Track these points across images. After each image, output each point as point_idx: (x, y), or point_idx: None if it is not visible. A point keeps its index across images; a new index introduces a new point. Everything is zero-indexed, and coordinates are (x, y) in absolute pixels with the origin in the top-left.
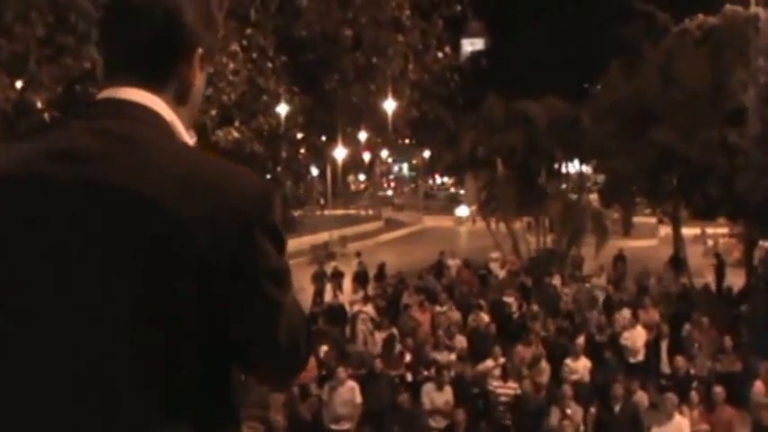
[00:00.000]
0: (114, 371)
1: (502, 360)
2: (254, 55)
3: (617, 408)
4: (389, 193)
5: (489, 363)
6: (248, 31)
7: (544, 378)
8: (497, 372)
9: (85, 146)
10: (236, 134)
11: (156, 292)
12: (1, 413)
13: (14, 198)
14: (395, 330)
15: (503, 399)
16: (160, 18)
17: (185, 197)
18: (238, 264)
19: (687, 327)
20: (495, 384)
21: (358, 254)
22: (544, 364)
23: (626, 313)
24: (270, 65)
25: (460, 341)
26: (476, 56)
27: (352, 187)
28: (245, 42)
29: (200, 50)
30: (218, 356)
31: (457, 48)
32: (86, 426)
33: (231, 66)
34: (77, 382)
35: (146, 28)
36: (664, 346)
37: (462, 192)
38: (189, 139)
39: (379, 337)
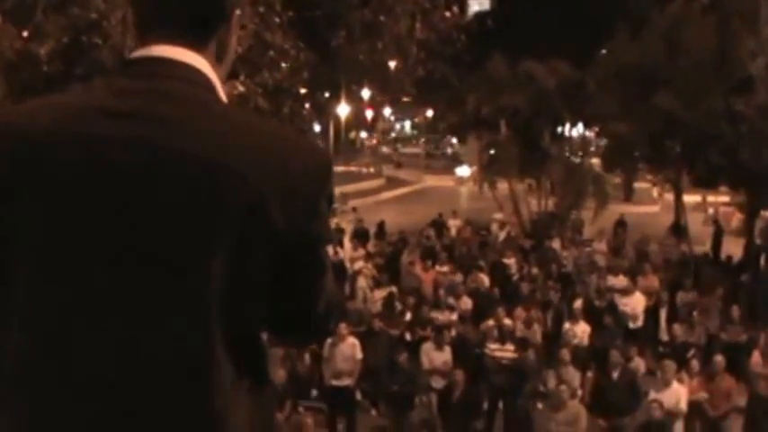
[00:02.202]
0: (187, 326)
1: (507, 321)
2: (261, 9)
3: (615, 373)
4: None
5: (490, 323)
6: None
7: (536, 338)
8: (495, 333)
9: (146, 106)
10: (240, 88)
11: (235, 258)
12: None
13: (72, 155)
14: (394, 288)
15: (500, 361)
16: None
17: (259, 167)
18: (304, 232)
19: (683, 294)
20: (492, 347)
21: (354, 209)
22: (537, 327)
23: (622, 279)
24: (277, 20)
25: (465, 302)
26: (482, 16)
27: (361, 144)
28: None
29: (238, 11)
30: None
31: (463, 8)
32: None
33: None
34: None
35: None
36: (663, 313)
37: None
38: (224, 96)
39: (379, 294)
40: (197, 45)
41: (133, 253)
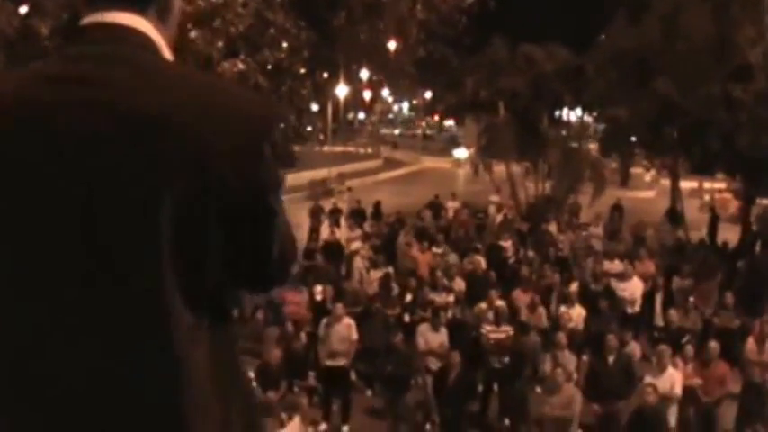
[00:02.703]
0: (149, 282)
1: (500, 303)
2: None
3: (610, 358)
4: (396, 132)
5: (483, 306)
6: None
7: (542, 322)
8: (490, 315)
9: (88, 70)
10: (241, 66)
11: (188, 211)
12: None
13: (17, 119)
14: (391, 269)
15: (494, 342)
16: None
17: (201, 120)
18: (251, 179)
19: (678, 279)
20: (487, 328)
21: (349, 189)
22: (542, 309)
23: (618, 263)
24: None
25: (459, 283)
26: None
27: (359, 125)
28: None
29: None
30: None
31: None
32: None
33: None
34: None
35: None
36: (658, 298)
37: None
38: (170, 57)
39: (375, 275)
40: (139, 9)
41: (84, 212)
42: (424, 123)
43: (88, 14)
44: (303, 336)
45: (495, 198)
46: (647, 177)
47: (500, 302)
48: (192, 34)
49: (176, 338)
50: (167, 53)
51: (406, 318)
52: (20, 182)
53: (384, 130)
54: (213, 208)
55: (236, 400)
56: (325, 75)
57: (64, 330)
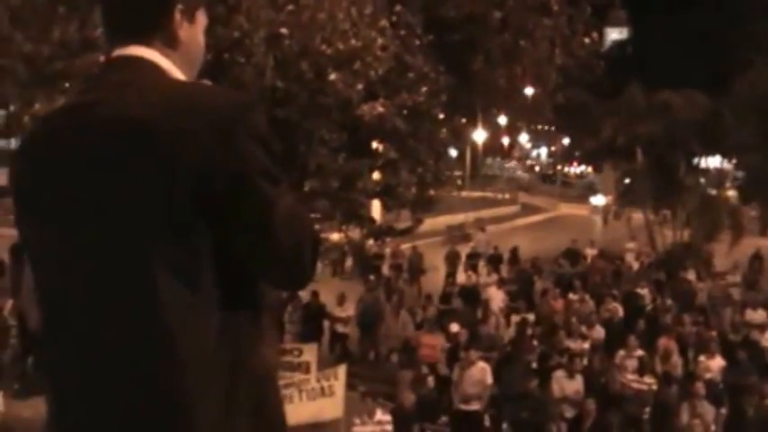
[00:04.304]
0: (144, 276)
1: (639, 353)
2: (402, 32)
3: (750, 410)
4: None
5: (621, 353)
6: (397, 7)
7: (677, 372)
8: (633, 364)
9: (98, 95)
10: (380, 109)
11: (169, 202)
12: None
13: (42, 150)
14: (528, 315)
15: (637, 392)
16: None
17: (175, 115)
18: (229, 165)
19: None
20: (629, 378)
21: (482, 229)
22: (676, 358)
23: (761, 313)
24: (417, 42)
25: (598, 331)
26: (621, 44)
27: (498, 170)
28: (393, 18)
29: (179, 6)
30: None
31: (602, 35)
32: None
33: (379, 41)
34: (117, 285)
35: None
36: None
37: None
38: (183, 76)
39: (512, 321)
40: (145, 42)
41: (82, 201)
42: (564, 169)
43: (111, 50)
44: (431, 380)
45: (631, 245)
46: None
47: (640, 352)
48: (332, 77)
49: (164, 311)
50: (178, 74)
51: (541, 364)
52: (48, 190)
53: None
54: (198, 196)
55: (244, 377)
56: (464, 120)
57: (81, 299)
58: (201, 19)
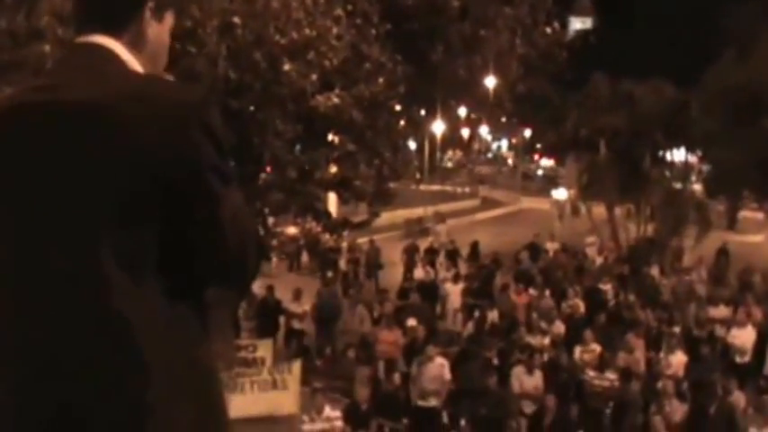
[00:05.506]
0: (93, 266)
1: (595, 347)
2: (359, 21)
3: (712, 407)
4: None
5: (578, 348)
6: None
7: (640, 368)
8: (592, 359)
9: (55, 78)
10: (335, 100)
11: (119, 188)
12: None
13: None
14: (486, 311)
15: (598, 389)
16: None
17: (130, 103)
18: (180, 156)
19: None
20: (591, 374)
21: (443, 220)
22: (639, 354)
23: (723, 309)
24: (374, 32)
25: (558, 326)
26: (584, 34)
27: (456, 164)
28: (349, 7)
29: (150, 4)
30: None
31: (565, 25)
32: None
33: (334, 30)
34: (65, 277)
35: None
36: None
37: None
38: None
39: (470, 316)
40: (113, 34)
41: (33, 183)
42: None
43: (78, 37)
44: (397, 377)
45: (591, 239)
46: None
47: (597, 346)
48: (286, 67)
49: (110, 299)
50: (138, 68)
51: (501, 360)
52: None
53: (481, 168)
54: (148, 184)
55: (190, 367)
56: (422, 111)
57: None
58: (169, 20)
